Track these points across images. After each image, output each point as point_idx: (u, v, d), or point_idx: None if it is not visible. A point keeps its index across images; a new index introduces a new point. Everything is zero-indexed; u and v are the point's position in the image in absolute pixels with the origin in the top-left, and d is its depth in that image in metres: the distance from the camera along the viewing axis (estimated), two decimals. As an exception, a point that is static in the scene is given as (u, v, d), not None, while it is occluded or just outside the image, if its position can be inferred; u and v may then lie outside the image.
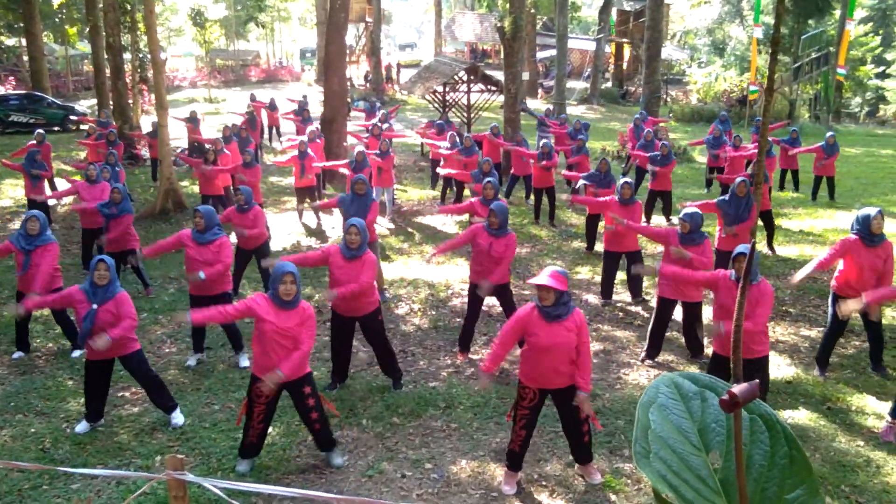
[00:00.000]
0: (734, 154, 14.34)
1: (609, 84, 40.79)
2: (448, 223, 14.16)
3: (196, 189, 16.69)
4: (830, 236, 12.61)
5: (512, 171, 15.10)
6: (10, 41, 39.75)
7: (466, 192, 13.95)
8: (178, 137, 19.55)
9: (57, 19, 37.20)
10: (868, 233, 7.18)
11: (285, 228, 13.68)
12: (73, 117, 25.64)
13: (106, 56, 20.62)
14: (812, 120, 30.37)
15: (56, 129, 25.37)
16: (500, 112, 20.97)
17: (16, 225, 13.79)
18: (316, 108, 22.87)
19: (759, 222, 11.19)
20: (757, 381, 1.12)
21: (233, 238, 9.55)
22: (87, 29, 23.52)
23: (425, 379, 7.78)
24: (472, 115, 21.66)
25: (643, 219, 11.20)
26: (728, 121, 18.08)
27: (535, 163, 13.68)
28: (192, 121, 19.12)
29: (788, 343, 8.57)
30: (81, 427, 6.75)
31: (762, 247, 11.66)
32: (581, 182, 11.81)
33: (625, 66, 42.42)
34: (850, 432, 6.53)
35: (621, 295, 10.06)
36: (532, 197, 14.64)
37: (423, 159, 20.34)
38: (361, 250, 7.07)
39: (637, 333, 8.80)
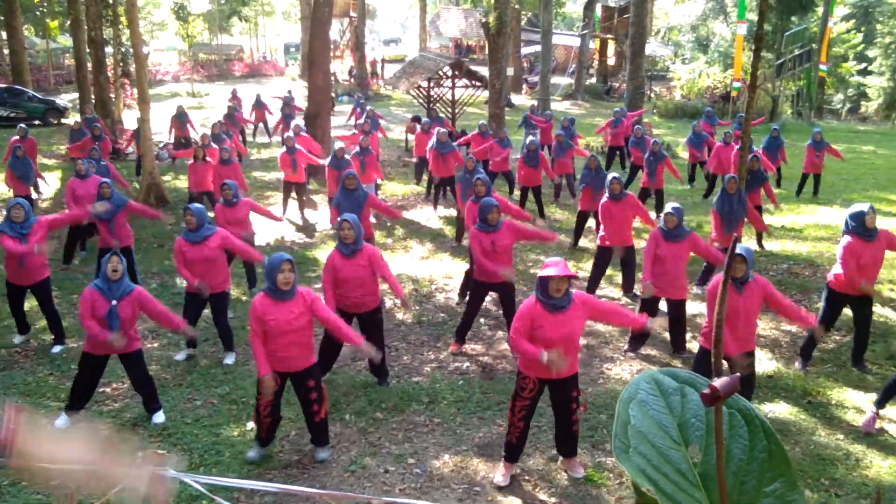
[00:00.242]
0: (722, 150, 14.44)
1: (593, 80, 40.89)
2: (432, 218, 14.16)
3: (179, 184, 16.66)
4: (812, 232, 12.71)
5: (490, 168, 15.03)
6: (-9, 34, 39.40)
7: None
8: (159, 132, 19.41)
9: (38, 12, 36.90)
10: (864, 229, 7.23)
11: (269, 224, 13.62)
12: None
13: (88, 50, 20.48)
14: (794, 116, 30.58)
15: (37, 122, 25.15)
16: (485, 108, 21.00)
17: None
18: (300, 104, 22.77)
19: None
20: (738, 375, 1.12)
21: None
22: (69, 22, 23.36)
23: (409, 374, 7.78)
24: (456, 111, 21.65)
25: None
26: (714, 116, 18.20)
27: (521, 162, 13.59)
28: (179, 118, 19.03)
29: (770, 338, 8.63)
30: (61, 421, 6.69)
31: (751, 243, 11.72)
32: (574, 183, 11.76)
33: (609, 62, 42.54)
34: (829, 426, 6.59)
35: (605, 289, 10.09)
36: (516, 192, 14.64)
37: (408, 154, 20.33)
38: (358, 244, 7.04)
39: (620, 328, 8.82)
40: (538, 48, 34.31)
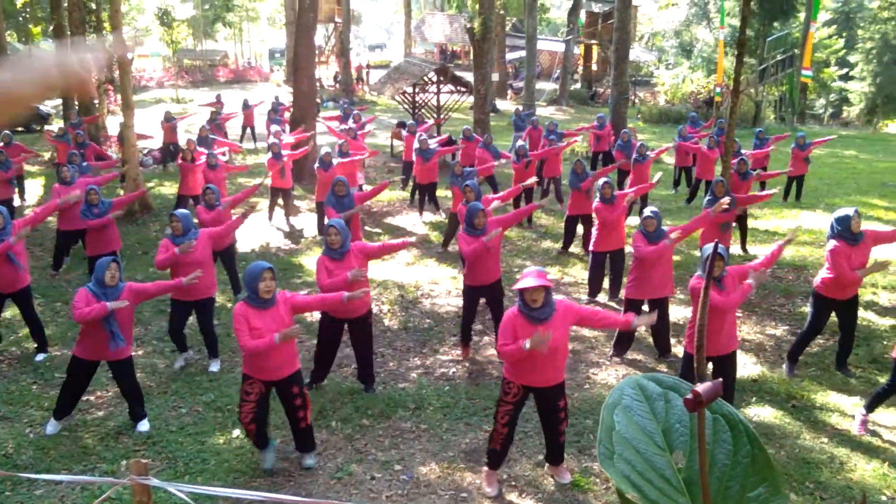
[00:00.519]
0: (709, 155, 14.53)
1: (578, 85, 41.01)
2: (418, 224, 14.15)
3: (163, 190, 16.59)
4: (796, 236, 12.77)
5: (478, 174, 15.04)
6: (-28, 40, 39.05)
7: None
8: (149, 136, 19.31)
9: (20, 18, 36.60)
10: (849, 233, 7.27)
11: (254, 230, 13.58)
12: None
13: (70, 55, 20.31)
14: (777, 121, 30.77)
15: (20, 129, 24.97)
16: (470, 113, 21.02)
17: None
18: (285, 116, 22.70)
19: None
20: (720, 380, 1.13)
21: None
22: (52, 28, 23.19)
23: (395, 380, 7.76)
24: (441, 116, 21.67)
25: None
26: (698, 121, 18.28)
27: (514, 165, 13.59)
28: (170, 121, 18.95)
29: (754, 342, 8.67)
30: (51, 427, 6.66)
31: (735, 248, 11.78)
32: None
33: (594, 67, 42.67)
34: (814, 429, 6.62)
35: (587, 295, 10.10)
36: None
37: (394, 160, 20.32)
38: (345, 247, 7.05)
39: (606, 333, 8.84)
40: (523, 54, 34.41)
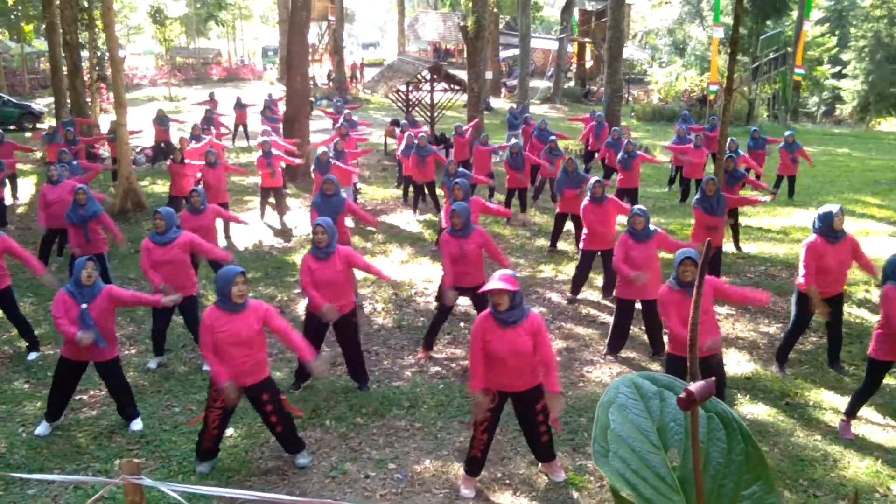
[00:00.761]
0: (694, 154, 14.56)
1: (571, 83, 41.05)
2: (412, 222, 14.14)
3: (156, 189, 16.55)
4: (789, 234, 12.83)
5: (473, 170, 15.04)
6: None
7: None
8: (139, 132, 19.25)
9: (12, 16, 36.47)
10: (830, 230, 7.26)
11: (247, 228, 13.55)
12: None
13: (63, 54, 20.27)
14: (770, 119, 30.83)
15: (12, 127, 24.88)
16: (464, 111, 21.01)
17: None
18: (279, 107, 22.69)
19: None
20: (713, 378, 1.12)
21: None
22: (44, 26, 23.13)
23: (389, 378, 7.76)
24: (435, 114, 21.65)
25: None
26: (690, 119, 18.30)
27: (506, 164, 13.59)
28: (161, 121, 18.89)
29: (748, 340, 8.69)
30: (42, 429, 6.64)
31: (728, 247, 11.80)
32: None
33: (587, 65, 42.71)
34: (808, 427, 6.64)
35: (584, 293, 10.11)
36: (497, 196, 14.66)
37: (387, 158, 20.30)
38: (331, 247, 7.04)
39: (600, 331, 8.86)
40: (516, 52, 34.43)
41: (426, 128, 19.23)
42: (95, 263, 6.45)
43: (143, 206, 14.65)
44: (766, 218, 14.15)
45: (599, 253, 9.57)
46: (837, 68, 41.40)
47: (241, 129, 22.75)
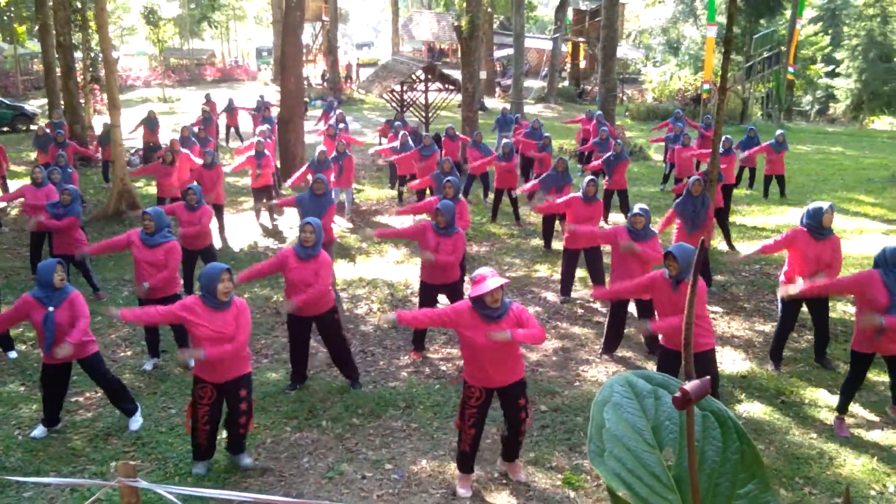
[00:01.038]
0: (683, 152, 14.58)
1: (566, 83, 41.06)
2: (406, 223, 14.12)
3: (151, 190, 16.50)
4: (784, 232, 12.83)
5: (470, 171, 15.06)
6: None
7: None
8: (132, 137, 19.22)
9: (5, 17, 36.36)
10: (818, 226, 7.28)
11: (242, 229, 13.55)
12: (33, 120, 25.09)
13: (56, 55, 20.20)
14: (764, 118, 30.89)
15: (5, 129, 24.83)
16: (458, 111, 21.00)
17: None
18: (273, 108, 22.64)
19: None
20: (708, 377, 1.13)
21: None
22: (37, 27, 23.04)
23: (385, 379, 7.75)
24: (429, 115, 21.64)
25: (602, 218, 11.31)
26: (682, 118, 18.32)
27: (497, 162, 13.63)
28: (150, 122, 18.84)
29: (743, 338, 8.70)
30: (38, 432, 6.62)
31: (721, 246, 11.82)
32: (538, 195, 11.57)
33: (581, 64, 42.74)
34: (803, 425, 6.65)
35: (580, 292, 10.13)
36: (490, 196, 14.67)
37: (382, 159, 20.27)
38: (316, 250, 7.03)
39: (596, 330, 8.87)
40: (511, 51, 34.39)
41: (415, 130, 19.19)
42: (64, 266, 6.42)
43: (138, 208, 14.61)
44: (760, 217, 14.18)
45: (583, 253, 9.55)
46: (831, 67, 41.49)
47: (233, 130, 22.71)
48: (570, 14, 39.36)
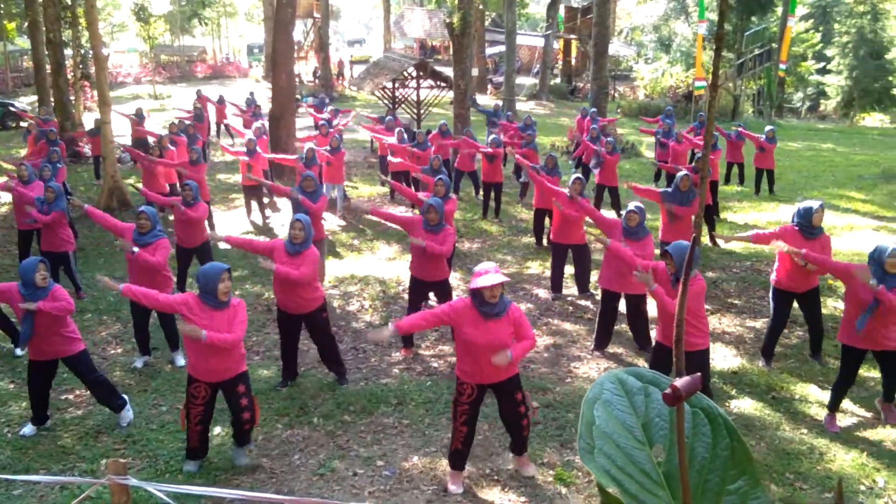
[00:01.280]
0: (676, 148, 14.59)
1: (558, 80, 41.06)
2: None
3: (141, 187, 16.42)
4: (774, 228, 12.88)
5: (456, 166, 15.05)
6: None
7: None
8: (122, 134, 19.15)
9: (-6, 14, 36.16)
10: (808, 225, 7.30)
11: (233, 226, 13.52)
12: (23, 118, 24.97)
13: (46, 52, 20.11)
14: (756, 115, 30.96)
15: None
16: (450, 108, 20.98)
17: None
18: (264, 105, 22.58)
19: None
20: (699, 374, 1.13)
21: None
22: (27, 24, 22.93)
23: (377, 376, 7.75)
24: (421, 112, 21.63)
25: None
26: (672, 115, 18.36)
27: (482, 157, 13.68)
28: (138, 117, 18.77)
29: (734, 334, 8.73)
30: (27, 429, 6.60)
31: (706, 242, 11.84)
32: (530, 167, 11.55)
33: (573, 62, 42.75)
34: (794, 421, 6.68)
35: (571, 289, 10.14)
36: (481, 192, 14.67)
37: (374, 155, 20.25)
38: (305, 246, 7.03)
39: (587, 327, 8.88)
40: (502, 48, 34.38)
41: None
42: (46, 265, 6.40)
43: (129, 205, 14.56)
44: (751, 213, 14.21)
45: (570, 249, 9.57)
46: (822, 64, 41.62)
47: (222, 126, 22.61)
48: (561, 11, 39.37)
